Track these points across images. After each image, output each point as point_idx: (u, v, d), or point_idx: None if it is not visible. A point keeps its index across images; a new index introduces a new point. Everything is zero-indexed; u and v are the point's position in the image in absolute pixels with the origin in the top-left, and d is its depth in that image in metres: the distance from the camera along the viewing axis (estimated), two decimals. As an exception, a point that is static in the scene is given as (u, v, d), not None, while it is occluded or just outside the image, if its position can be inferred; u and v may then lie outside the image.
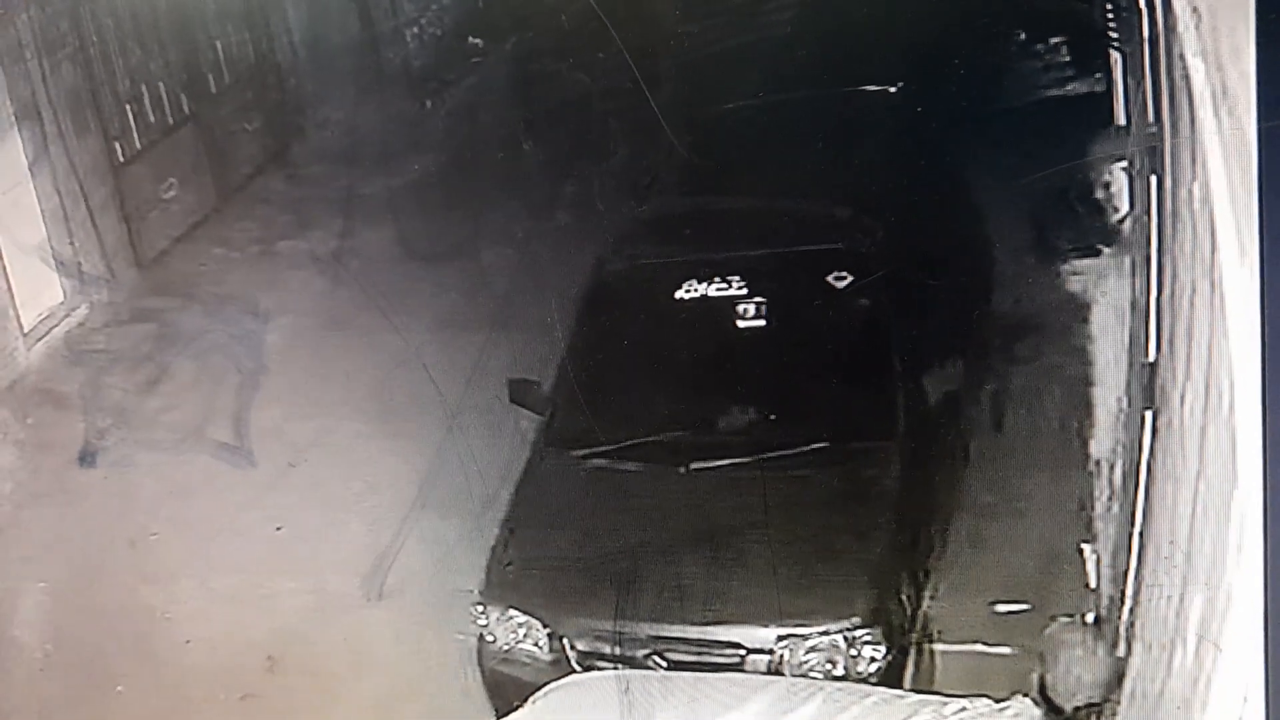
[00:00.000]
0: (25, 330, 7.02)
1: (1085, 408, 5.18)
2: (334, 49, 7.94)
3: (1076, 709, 4.62)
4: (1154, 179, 4.29)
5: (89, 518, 6.11)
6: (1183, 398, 3.86)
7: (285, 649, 5.48)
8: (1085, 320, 5.22)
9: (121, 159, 7.61)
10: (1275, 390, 3.04)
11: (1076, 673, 4.67)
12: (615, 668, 4.84)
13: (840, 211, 5.88)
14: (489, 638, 5.09)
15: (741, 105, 6.53)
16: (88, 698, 5.46)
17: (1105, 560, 4.78)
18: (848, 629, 4.74)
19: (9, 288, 6.83)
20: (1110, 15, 4.75)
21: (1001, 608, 4.93)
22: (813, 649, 4.75)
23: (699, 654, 4.83)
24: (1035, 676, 4.72)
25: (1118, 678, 4.43)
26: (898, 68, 6.34)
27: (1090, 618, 4.80)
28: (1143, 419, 4.43)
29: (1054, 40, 6.40)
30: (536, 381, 5.73)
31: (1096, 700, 4.60)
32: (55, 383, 6.84)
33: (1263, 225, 3.04)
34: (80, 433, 6.44)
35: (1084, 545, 4.90)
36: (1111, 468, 4.90)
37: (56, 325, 7.13)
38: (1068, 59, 6.32)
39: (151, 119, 7.77)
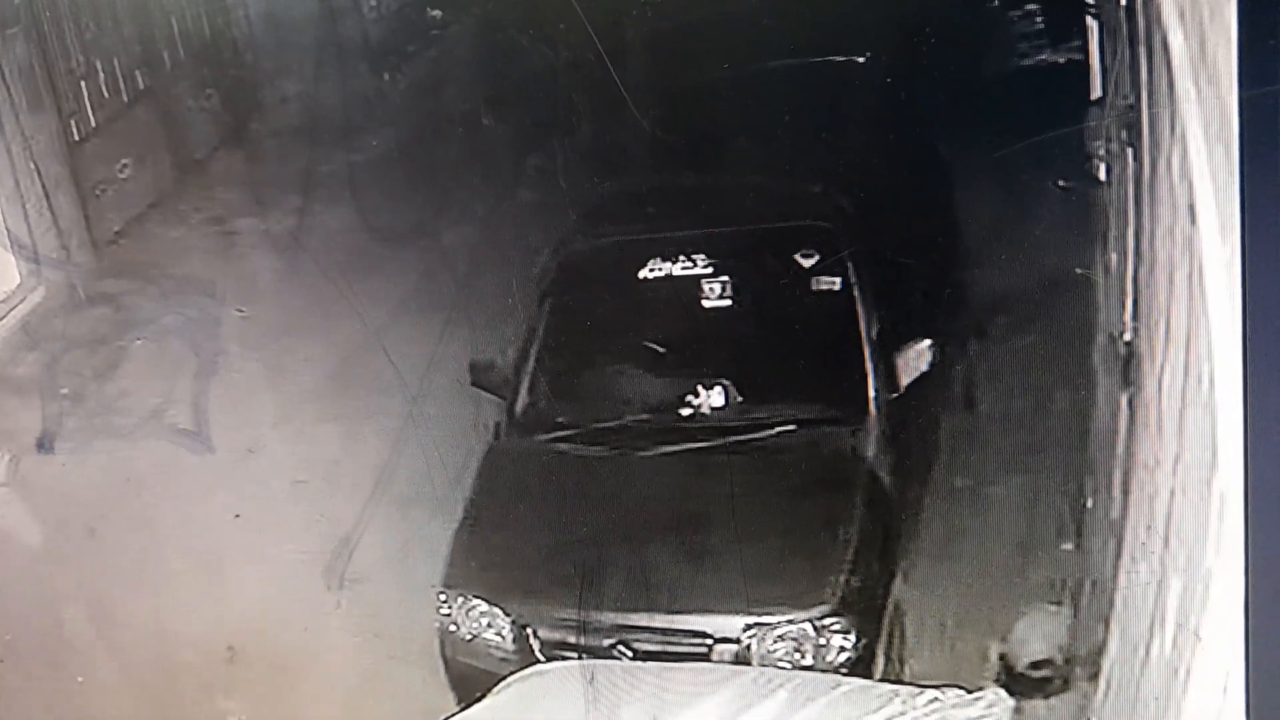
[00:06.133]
0: (-19, 315, 6.91)
1: (1061, 390, 5.09)
2: (291, 22, 7.83)
3: (1045, 688, 4.54)
4: (1131, 151, 4.18)
5: (47, 506, 6.00)
6: (1160, 378, 3.75)
7: (246, 639, 5.38)
8: (1060, 299, 5.12)
9: (76, 137, 7.51)
10: (1257, 370, 2.90)
11: (1049, 659, 4.59)
12: (580, 657, 4.74)
13: (808, 187, 5.76)
14: (451, 627, 4.99)
15: (707, 78, 6.40)
16: (47, 689, 5.35)
17: (1081, 546, 4.70)
18: (816, 617, 4.64)
19: (-36, 273, 6.74)
20: (1087, -20, 4.63)
21: (974, 594, 4.85)
22: (781, 638, 4.66)
23: (665, 643, 4.74)
24: (1002, 662, 4.64)
25: (1094, 666, 4.34)
26: (866, 37, 6.22)
27: (1066, 604, 4.71)
28: (1120, 400, 4.33)
29: (1028, 7, 6.29)
30: (498, 364, 5.62)
31: (1065, 682, 4.52)
32: (12, 368, 6.76)
33: (1243, 198, 2.88)
34: (38, 419, 6.33)
35: (1059, 531, 4.81)
36: (1088, 451, 4.80)
37: (13, 310, 7.02)
38: (1042, 27, 6.22)
39: (106, 95, 7.66)
